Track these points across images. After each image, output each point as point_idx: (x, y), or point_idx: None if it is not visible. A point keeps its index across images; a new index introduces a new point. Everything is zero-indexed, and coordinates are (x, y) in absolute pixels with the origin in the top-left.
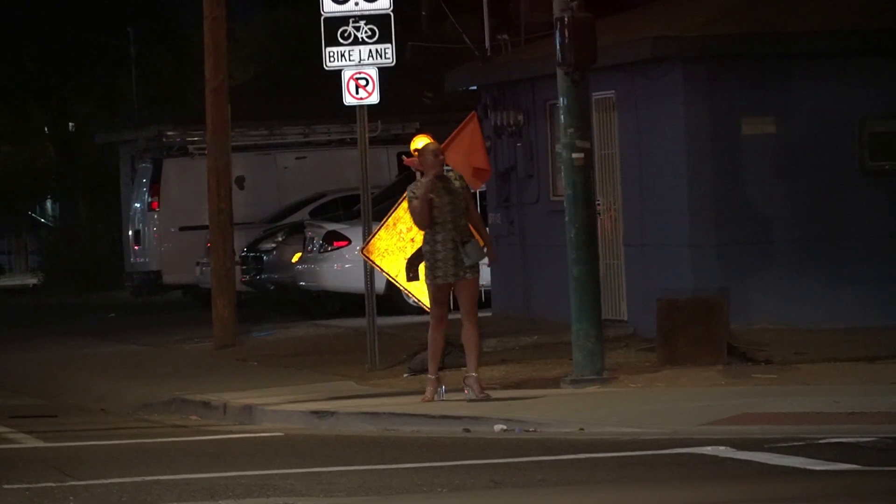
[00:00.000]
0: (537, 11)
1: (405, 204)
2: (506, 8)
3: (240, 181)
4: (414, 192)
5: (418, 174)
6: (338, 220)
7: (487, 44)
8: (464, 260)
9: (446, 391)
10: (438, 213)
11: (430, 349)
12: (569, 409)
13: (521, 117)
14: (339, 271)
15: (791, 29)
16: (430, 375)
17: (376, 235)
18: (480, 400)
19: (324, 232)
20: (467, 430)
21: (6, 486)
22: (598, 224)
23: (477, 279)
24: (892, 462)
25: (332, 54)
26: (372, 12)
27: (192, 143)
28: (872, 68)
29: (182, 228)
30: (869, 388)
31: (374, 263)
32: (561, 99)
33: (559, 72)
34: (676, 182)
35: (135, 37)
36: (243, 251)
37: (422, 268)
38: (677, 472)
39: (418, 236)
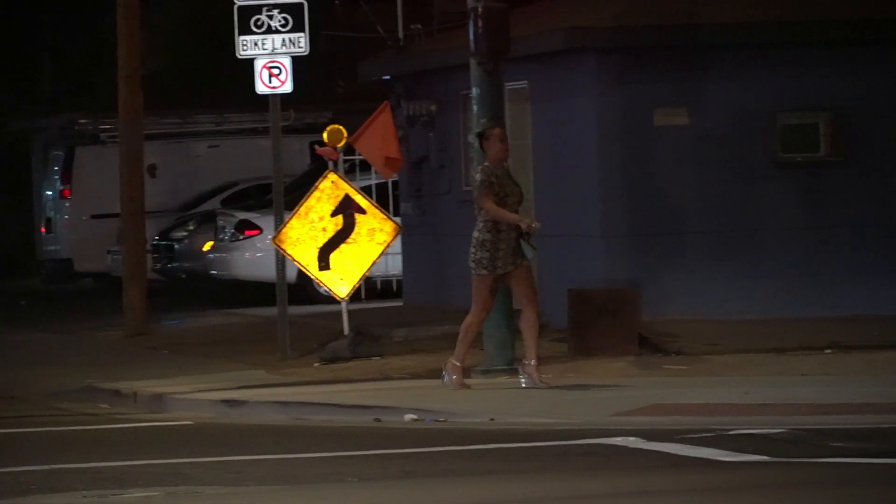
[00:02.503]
0: (451, 1)
1: (317, 193)
2: None
3: (152, 169)
4: (487, 176)
5: (330, 163)
6: (250, 208)
7: (401, 33)
8: (525, 252)
9: (356, 381)
10: (511, 200)
11: (469, 337)
12: (480, 400)
13: (433, 107)
14: (250, 260)
15: (705, 20)
16: (458, 362)
17: (288, 224)
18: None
19: (235, 221)
20: (378, 420)
21: None
22: None
23: (530, 265)
24: (802, 454)
25: (244, 43)
26: (286, 1)
27: (105, 131)
28: (785, 60)
29: (94, 216)
30: (779, 379)
31: (286, 252)
32: (474, 89)
33: (472, 62)
34: (589, 173)
35: (49, 23)
36: (155, 239)
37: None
38: (588, 463)
39: (330, 225)
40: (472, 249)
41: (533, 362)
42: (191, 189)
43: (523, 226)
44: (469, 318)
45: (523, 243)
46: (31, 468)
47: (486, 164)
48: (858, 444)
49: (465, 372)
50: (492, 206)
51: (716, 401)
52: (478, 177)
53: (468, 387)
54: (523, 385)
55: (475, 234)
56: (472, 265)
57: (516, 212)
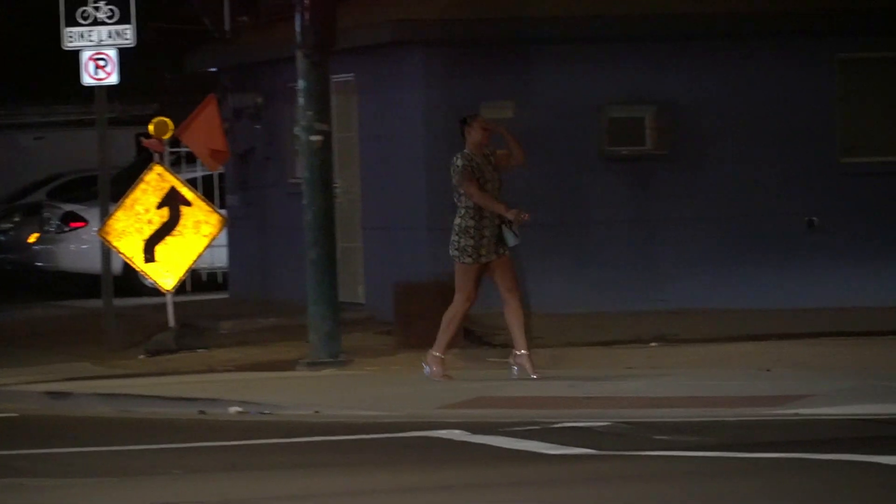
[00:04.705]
0: None
1: (143, 185)
2: None
3: None
4: (468, 161)
5: (156, 156)
6: (75, 200)
7: (227, 25)
8: (508, 240)
9: (181, 373)
10: (490, 187)
11: (452, 328)
12: (305, 392)
13: (260, 100)
14: (75, 252)
15: (532, 14)
16: (438, 353)
17: (114, 216)
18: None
19: (61, 212)
20: (202, 413)
21: None
22: (337, 207)
23: (510, 254)
24: (626, 447)
25: (70, 35)
26: None
27: None
28: (611, 54)
29: None
30: (605, 372)
31: (111, 244)
32: (300, 81)
33: (299, 54)
34: (414, 166)
35: None
36: None
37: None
38: (412, 455)
39: (155, 218)
40: (455, 237)
41: (523, 352)
42: (16, 181)
43: (510, 216)
44: (452, 309)
45: (506, 231)
46: None
47: (466, 150)
48: (683, 438)
49: (292, 364)
50: (477, 191)
51: (541, 394)
52: (458, 162)
53: (451, 377)
54: (515, 375)
55: (457, 220)
56: (456, 253)
57: (497, 198)
